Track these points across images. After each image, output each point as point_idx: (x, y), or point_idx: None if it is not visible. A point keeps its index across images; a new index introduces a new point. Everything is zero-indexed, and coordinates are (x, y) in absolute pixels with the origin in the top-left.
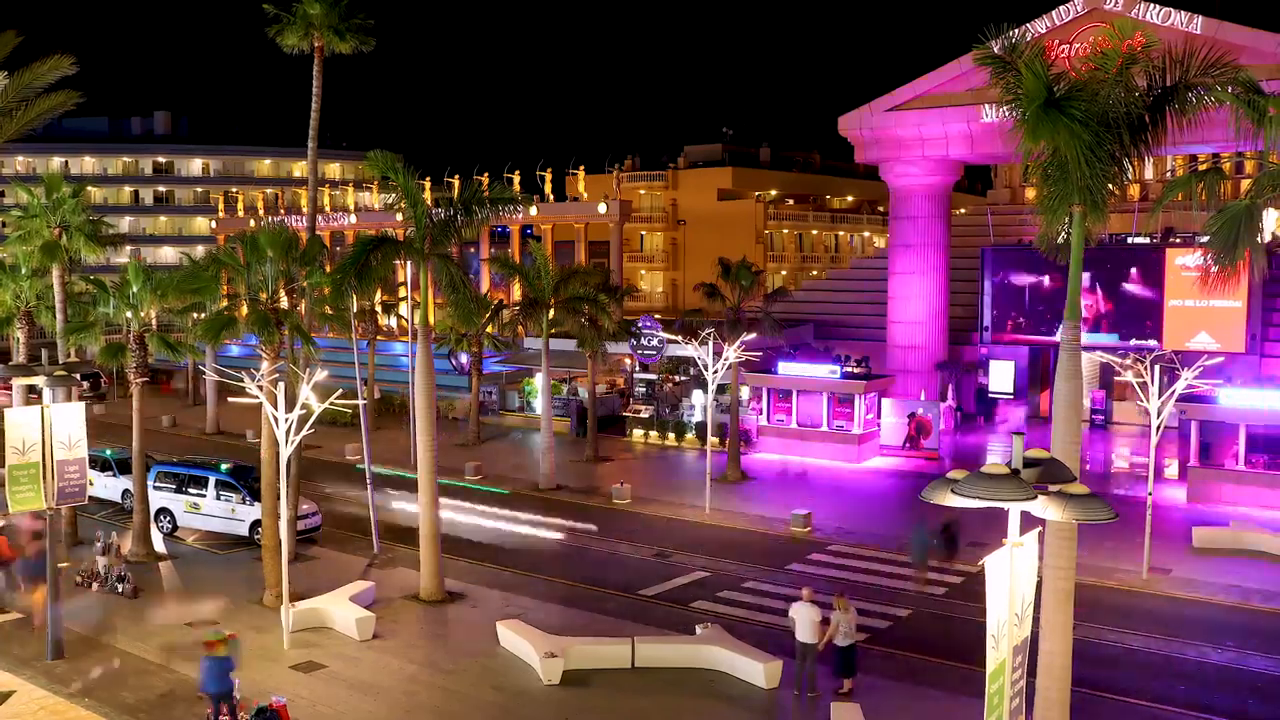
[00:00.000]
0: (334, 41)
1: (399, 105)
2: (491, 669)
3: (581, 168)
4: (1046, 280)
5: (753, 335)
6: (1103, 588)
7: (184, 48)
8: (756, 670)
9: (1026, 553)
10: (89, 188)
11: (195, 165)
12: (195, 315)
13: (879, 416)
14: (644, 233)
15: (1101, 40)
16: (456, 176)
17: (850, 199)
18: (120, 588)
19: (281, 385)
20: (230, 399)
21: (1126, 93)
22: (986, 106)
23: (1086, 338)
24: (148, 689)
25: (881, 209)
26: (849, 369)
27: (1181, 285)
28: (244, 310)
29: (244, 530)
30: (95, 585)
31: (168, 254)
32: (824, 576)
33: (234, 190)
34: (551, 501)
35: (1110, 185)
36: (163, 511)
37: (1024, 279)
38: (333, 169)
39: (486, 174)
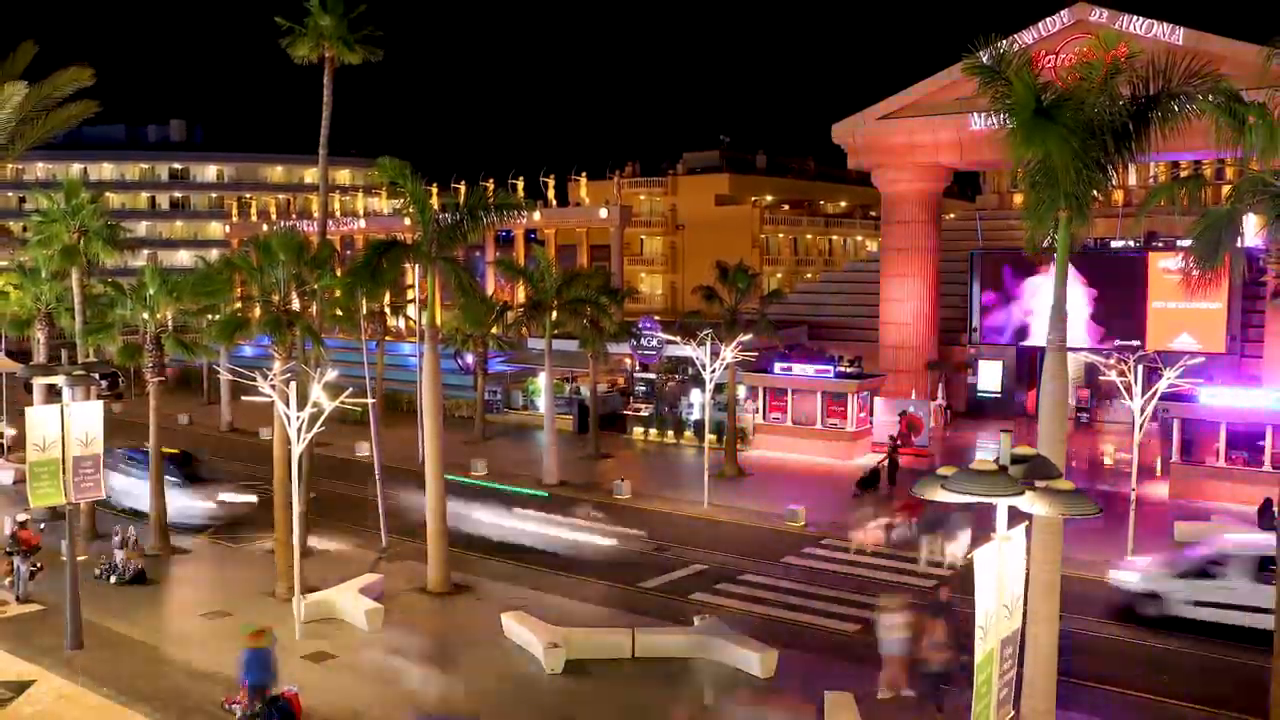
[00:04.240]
0: (343, 52)
1: (407, 113)
2: (496, 659)
3: (583, 174)
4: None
5: (749, 336)
6: (1088, 580)
7: (199, 58)
8: (753, 660)
9: (1014, 547)
10: (107, 193)
11: (210, 171)
12: (210, 317)
13: (871, 415)
14: (644, 237)
15: (1087, 51)
16: (462, 182)
17: (844, 204)
18: (132, 576)
19: (293, 384)
20: (244, 397)
21: (1111, 102)
22: (975, 115)
23: None
24: (163, 677)
25: (874, 214)
26: (842, 369)
27: (1164, 287)
28: (257, 312)
29: None
30: (113, 578)
31: (183, 257)
32: (818, 570)
33: (247, 196)
34: (554, 497)
35: (1095, 191)
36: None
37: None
38: (343, 175)
39: (491, 180)
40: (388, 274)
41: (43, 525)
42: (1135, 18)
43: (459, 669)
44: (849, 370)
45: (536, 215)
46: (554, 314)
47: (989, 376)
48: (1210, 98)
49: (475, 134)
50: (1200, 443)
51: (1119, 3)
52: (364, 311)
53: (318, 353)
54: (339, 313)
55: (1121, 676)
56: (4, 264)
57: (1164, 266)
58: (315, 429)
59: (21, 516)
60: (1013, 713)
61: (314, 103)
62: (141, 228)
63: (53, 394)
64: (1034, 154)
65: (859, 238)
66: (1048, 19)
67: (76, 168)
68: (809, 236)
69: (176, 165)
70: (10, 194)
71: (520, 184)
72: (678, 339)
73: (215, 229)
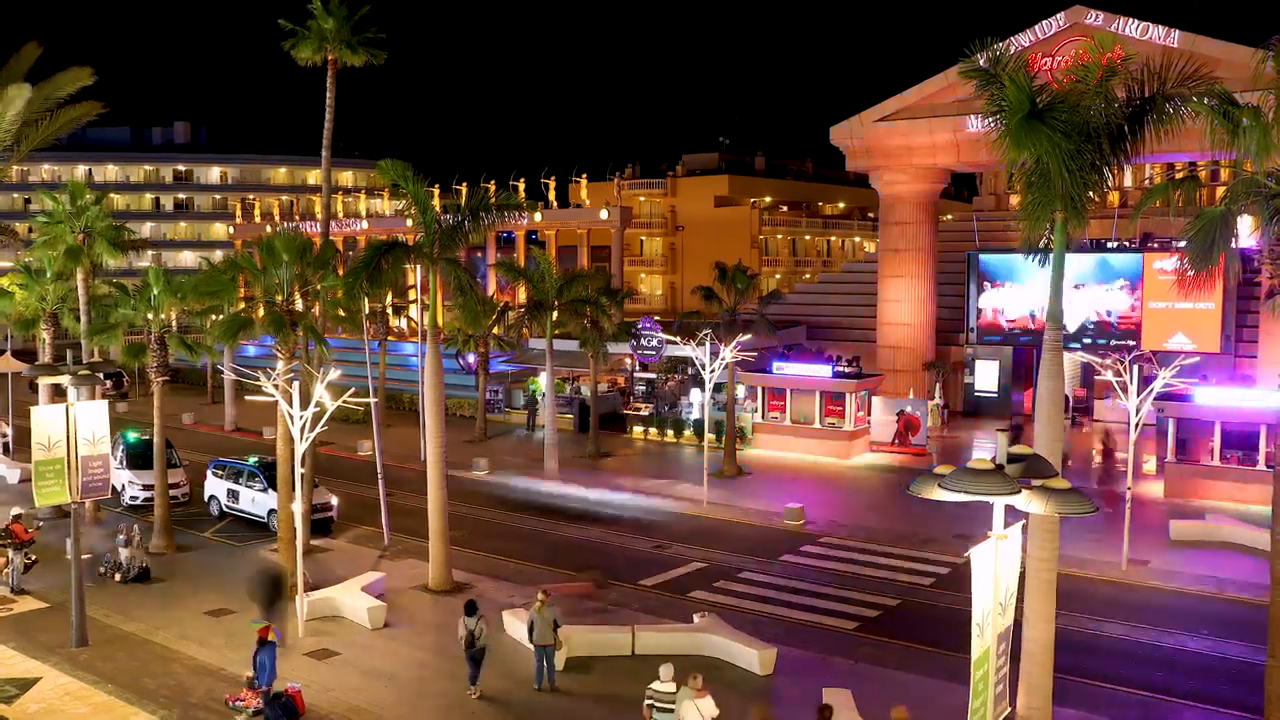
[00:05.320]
0: (346, 55)
1: (409, 115)
2: (497, 656)
3: (584, 175)
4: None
5: (748, 336)
6: (1084, 578)
7: (203, 60)
8: (752, 657)
9: (1010, 545)
10: (111, 195)
11: (214, 173)
12: (213, 317)
13: (869, 414)
14: (644, 238)
15: (1083, 53)
16: (464, 184)
17: (842, 205)
18: (137, 574)
19: (296, 384)
20: (247, 397)
21: (1106, 104)
22: (972, 117)
23: None
24: (167, 675)
25: (872, 215)
26: (840, 369)
27: (1159, 288)
28: (260, 312)
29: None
30: (118, 576)
31: (187, 258)
32: (816, 567)
33: (251, 197)
34: (555, 495)
35: (1091, 192)
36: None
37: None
38: (345, 176)
39: (493, 181)
40: (390, 275)
41: (39, 522)
42: (1131, 20)
43: (460, 666)
44: (847, 370)
45: (538, 216)
46: (555, 314)
47: (986, 376)
48: (1205, 100)
49: (477, 136)
50: (1195, 442)
51: (1116, 5)
52: (366, 312)
53: (320, 352)
54: (342, 313)
55: (1116, 673)
56: (9, 264)
57: (1159, 267)
58: (319, 428)
59: (15, 511)
60: (1009, 709)
61: (317, 105)
62: (146, 229)
63: (58, 394)
64: (1027, 156)
65: (857, 239)
66: (1044, 21)
67: (81, 169)
68: (807, 237)
69: (180, 167)
70: (15, 195)
71: (521, 185)
72: (677, 339)
73: (219, 230)
